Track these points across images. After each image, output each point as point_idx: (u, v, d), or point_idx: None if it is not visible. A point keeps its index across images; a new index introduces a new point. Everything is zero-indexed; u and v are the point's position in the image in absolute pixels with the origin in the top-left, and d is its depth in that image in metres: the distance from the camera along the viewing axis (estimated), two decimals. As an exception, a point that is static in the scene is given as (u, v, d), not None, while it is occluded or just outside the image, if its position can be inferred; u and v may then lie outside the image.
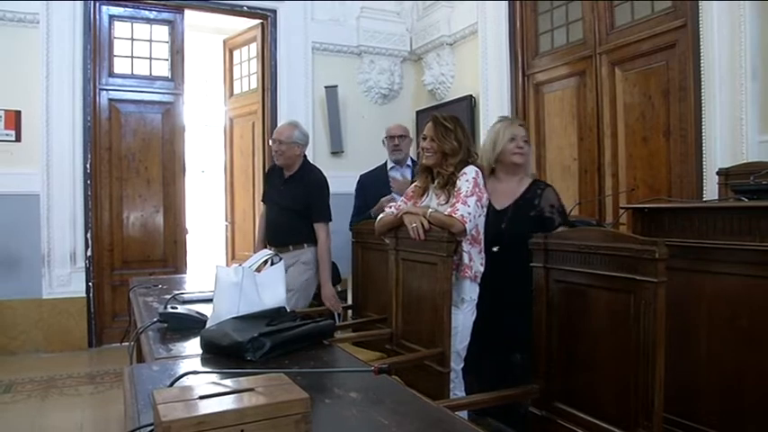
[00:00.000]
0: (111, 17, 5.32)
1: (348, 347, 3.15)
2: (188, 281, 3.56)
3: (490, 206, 2.74)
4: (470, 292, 2.66)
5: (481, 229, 2.69)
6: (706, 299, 2.15)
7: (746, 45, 3.21)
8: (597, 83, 4.31)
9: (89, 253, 5.11)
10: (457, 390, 2.58)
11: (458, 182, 2.60)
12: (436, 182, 2.73)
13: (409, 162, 4.18)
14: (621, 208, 3.90)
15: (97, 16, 5.20)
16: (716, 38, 3.36)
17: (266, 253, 2.06)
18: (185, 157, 5.70)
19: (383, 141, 4.26)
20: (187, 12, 5.61)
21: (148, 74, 5.53)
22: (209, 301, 1.95)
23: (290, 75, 5.83)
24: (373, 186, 4.08)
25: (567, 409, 1.90)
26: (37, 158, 4.87)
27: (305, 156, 3.91)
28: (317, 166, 4.02)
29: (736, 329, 2.05)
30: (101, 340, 5.15)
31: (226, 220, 6.41)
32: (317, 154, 5.68)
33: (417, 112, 6.18)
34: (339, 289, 5.33)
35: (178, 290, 2.82)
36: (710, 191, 3.28)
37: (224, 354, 1.65)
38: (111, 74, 5.33)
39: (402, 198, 2.90)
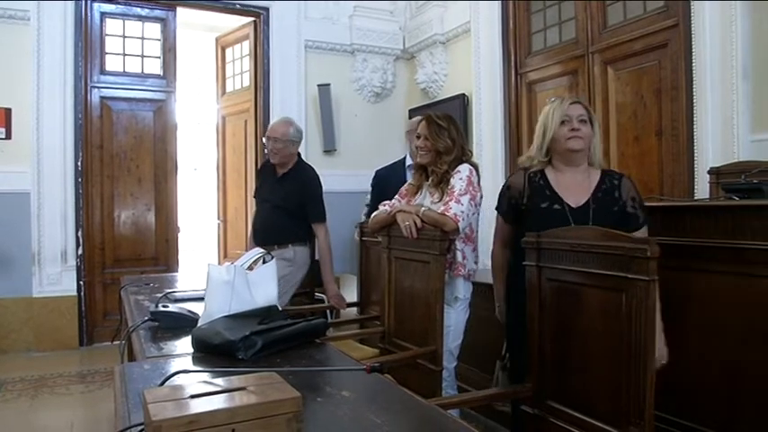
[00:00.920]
0: (103, 14, 5.29)
1: (349, 344, 3.17)
2: (180, 279, 3.54)
3: (560, 204, 2.27)
4: (464, 290, 2.66)
5: (475, 227, 2.69)
6: (698, 297, 2.16)
7: (738, 45, 3.22)
8: (590, 82, 4.32)
9: (80, 251, 5.09)
10: (449, 388, 2.58)
11: (452, 180, 2.60)
12: (430, 180, 2.73)
13: None
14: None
15: (89, 13, 5.17)
16: (708, 37, 3.37)
17: (258, 251, 2.04)
18: (177, 155, 5.68)
19: (405, 135, 4.02)
20: (179, 9, 5.59)
21: (140, 71, 5.50)
22: (201, 299, 1.94)
23: (283, 73, 5.82)
24: (390, 182, 3.88)
25: (560, 408, 1.90)
26: (27, 156, 4.85)
27: (299, 153, 3.84)
28: (310, 164, 3.96)
29: (728, 327, 2.06)
30: (92, 339, 5.13)
31: (218, 219, 6.39)
32: (310, 152, 5.67)
33: (410, 111, 6.17)
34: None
35: (170, 288, 2.81)
36: (702, 190, 3.29)
37: (215, 352, 1.64)
38: (103, 71, 5.31)
39: (396, 196, 2.90)
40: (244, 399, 1.00)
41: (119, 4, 5.33)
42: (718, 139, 3.31)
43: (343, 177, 5.67)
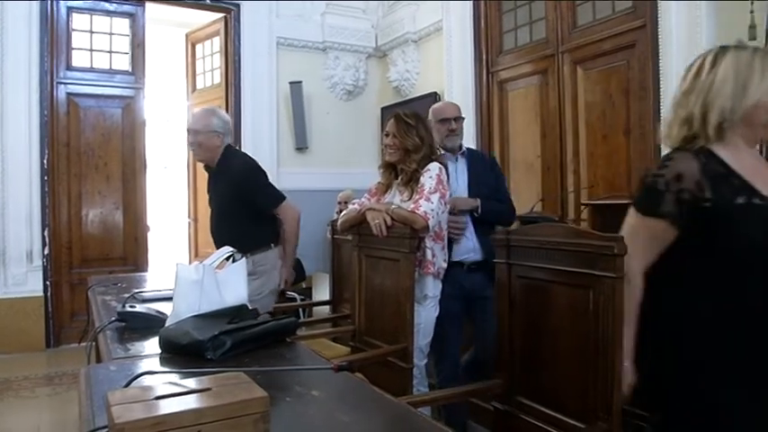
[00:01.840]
0: (70, 9, 5.18)
1: (321, 343, 3.14)
2: (149, 279, 3.49)
3: (759, 197, 1.53)
4: (433, 288, 2.67)
5: (444, 226, 2.70)
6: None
7: (703, 45, 3.27)
8: (559, 81, 4.37)
9: (46, 251, 4.99)
10: (420, 386, 2.59)
11: (421, 178, 2.60)
12: (399, 178, 2.73)
13: (465, 150, 3.15)
14: (582, 204, 3.96)
15: (54, 8, 5.06)
16: (674, 38, 3.44)
17: (227, 250, 2.02)
18: (146, 152, 5.60)
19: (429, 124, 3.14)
20: (148, 4, 5.51)
21: (108, 67, 5.41)
22: (170, 299, 1.91)
23: (254, 70, 5.78)
24: None
25: (530, 404, 1.92)
26: (-9, 154, 4.73)
27: (228, 146, 3.27)
28: (241, 150, 3.50)
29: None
30: (59, 340, 5.04)
31: (188, 218, 6.32)
32: (282, 150, 5.65)
33: (382, 109, 6.18)
34: (304, 286, 5.33)
35: (138, 288, 2.76)
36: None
37: (184, 353, 1.62)
38: (70, 67, 5.20)
39: (365, 194, 2.89)
40: (210, 399, 0.99)
41: (86, -2, 5.24)
42: (684, 139, 3.37)
43: (315, 176, 5.65)
